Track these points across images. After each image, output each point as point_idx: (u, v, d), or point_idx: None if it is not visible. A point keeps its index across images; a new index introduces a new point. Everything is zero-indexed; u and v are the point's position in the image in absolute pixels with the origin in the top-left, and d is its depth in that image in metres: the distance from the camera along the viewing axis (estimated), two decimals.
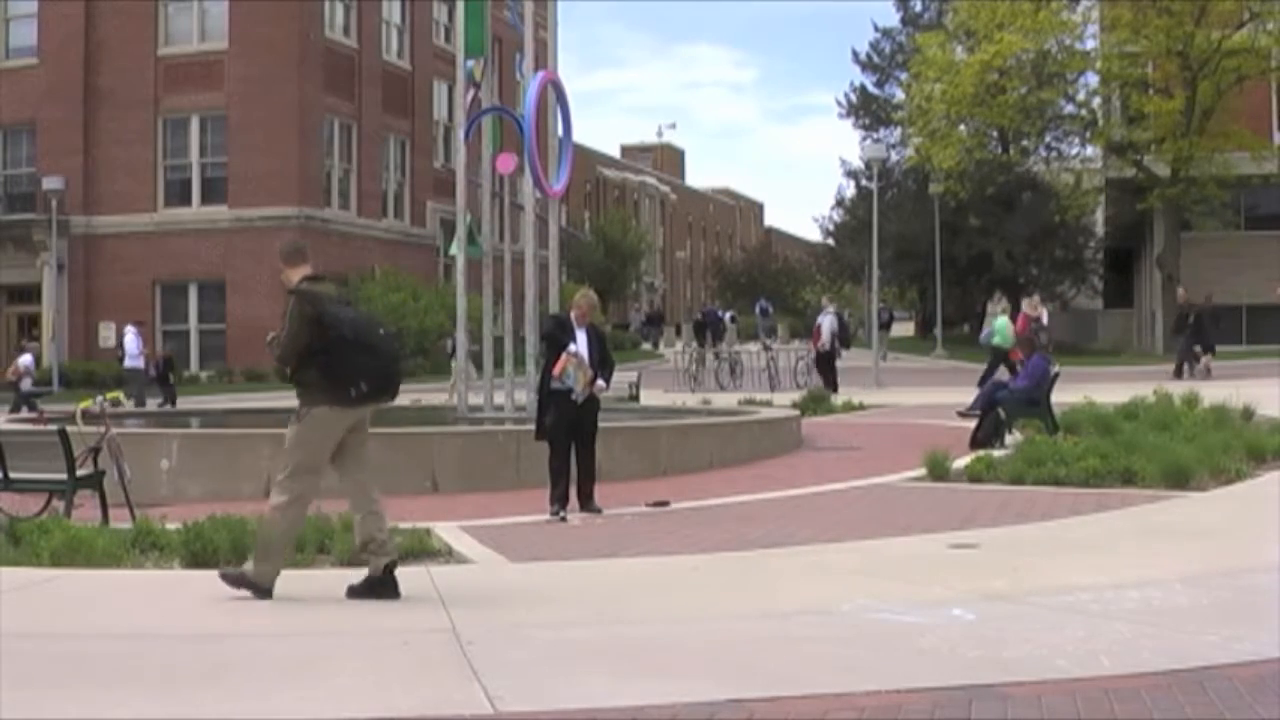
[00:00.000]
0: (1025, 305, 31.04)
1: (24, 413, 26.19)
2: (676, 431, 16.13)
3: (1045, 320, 29.65)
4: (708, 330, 41.31)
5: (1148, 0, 37.60)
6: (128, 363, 27.72)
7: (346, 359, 7.04)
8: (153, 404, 26.75)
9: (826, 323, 28.21)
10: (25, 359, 28.77)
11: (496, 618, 6.72)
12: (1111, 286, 49.17)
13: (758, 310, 57.18)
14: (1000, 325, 28.05)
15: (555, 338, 11.57)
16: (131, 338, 27.90)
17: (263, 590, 7.17)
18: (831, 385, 27.26)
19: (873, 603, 6.89)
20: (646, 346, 58.41)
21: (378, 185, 42.17)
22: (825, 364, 28.04)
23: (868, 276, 46.24)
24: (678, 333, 60.75)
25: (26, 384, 27.85)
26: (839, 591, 7.24)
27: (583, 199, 71.96)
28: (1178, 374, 27.53)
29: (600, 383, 11.40)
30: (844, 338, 28.57)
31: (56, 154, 38.58)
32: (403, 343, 34.95)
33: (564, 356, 11.16)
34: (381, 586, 7.18)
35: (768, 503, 11.80)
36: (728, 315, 46.59)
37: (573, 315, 11.56)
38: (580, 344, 11.31)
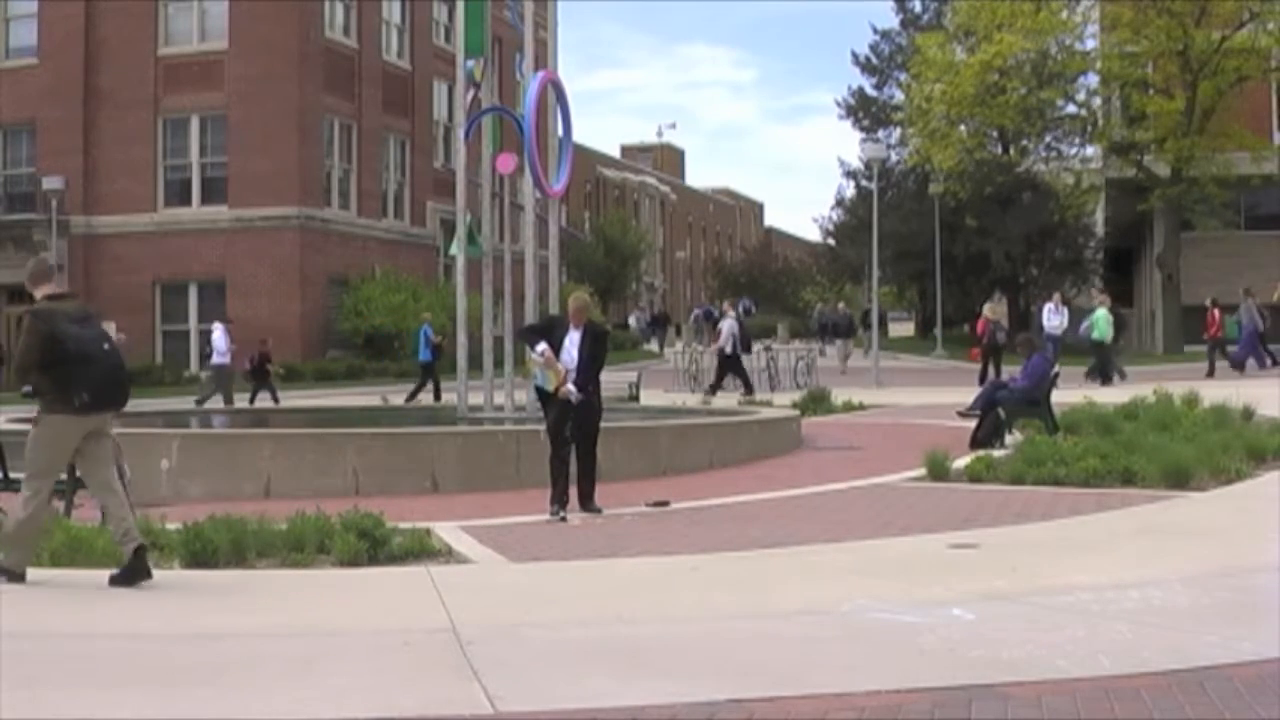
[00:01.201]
0: (986, 309, 31.18)
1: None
2: (676, 431, 16.13)
3: (1053, 321, 29.38)
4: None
5: (1148, 0, 37.57)
6: (215, 359, 27.69)
7: (72, 372, 7.76)
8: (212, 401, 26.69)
9: (726, 326, 28.43)
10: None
11: (496, 618, 6.72)
12: (1111, 286, 49.16)
13: (739, 311, 57.36)
14: (1099, 317, 27.87)
15: (525, 335, 11.75)
16: (220, 334, 27.80)
17: (16, 576, 7.78)
18: (718, 385, 27.53)
19: (873, 603, 6.89)
20: (651, 347, 58.28)
21: (378, 185, 42.16)
22: (728, 365, 28.13)
23: (868, 276, 46.23)
24: (678, 333, 60.70)
25: None
26: (839, 591, 7.23)
27: (583, 199, 71.94)
28: (1107, 380, 27.68)
29: (570, 388, 11.16)
30: (745, 341, 28.94)
31: (56, 154, 38.55)
32: (403, 343, 34.98)
33: (531, 356, 11.27)
34: (136, 571, 7.74)
35: (768, 503, 11.80)
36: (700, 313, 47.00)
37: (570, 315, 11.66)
38: (571, 343, 11.33)
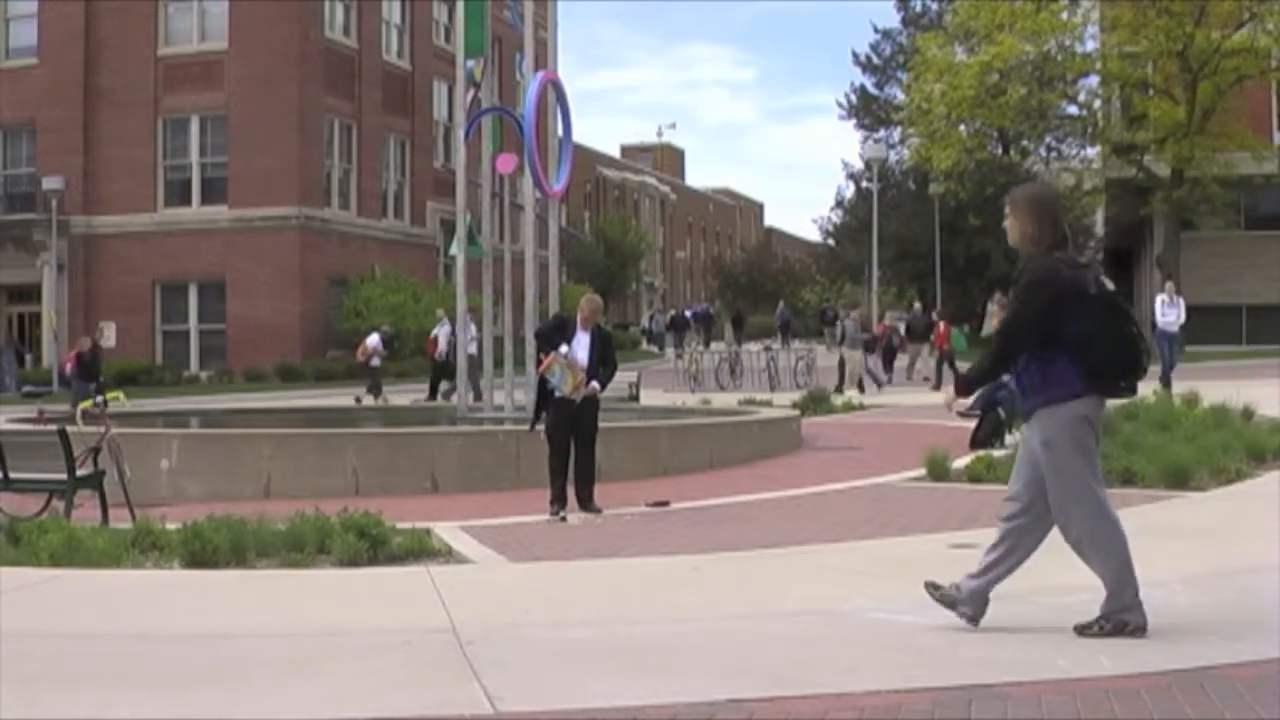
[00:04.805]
0: (888, 317, 31.58)
1: (372, 398, 26.37)
2: (676, 431, 16.13)
3: (1168, 316, 26.39)
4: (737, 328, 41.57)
5: (1148, 0, 37.55)
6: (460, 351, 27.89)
7: None
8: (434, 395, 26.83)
9: (443, 334, 28.40)
10: (374, 339, 28.32)
11: (496, 618, 6.71)
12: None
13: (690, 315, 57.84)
14: None
15: (546, 337, 11.70)
16: (449, 330, 27.81)
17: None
18: (438, 392, 27.52)
19: (873, 603, 6.88)
20: (669, 351, 58.13)
21: (378, 185, 42.17)
22: (441, 371, 28.22)
23: (868, 276, 46.19)
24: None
25: (375, 363, 27.56)
26: (839, 591, 7.23)
27: (583, 199, 71.92)
28: (860, 388, 28.12)
29: (594, 384, 11.35)
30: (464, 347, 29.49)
31: (56, 154, 38.59)
32: (403, 343, 34.99)
33: (550, 355, 11.23)
34: None
35: (768, 503, 11.80)
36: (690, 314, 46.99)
37: (578, 317, 11.62)
38: (580, 345, 11.34)
